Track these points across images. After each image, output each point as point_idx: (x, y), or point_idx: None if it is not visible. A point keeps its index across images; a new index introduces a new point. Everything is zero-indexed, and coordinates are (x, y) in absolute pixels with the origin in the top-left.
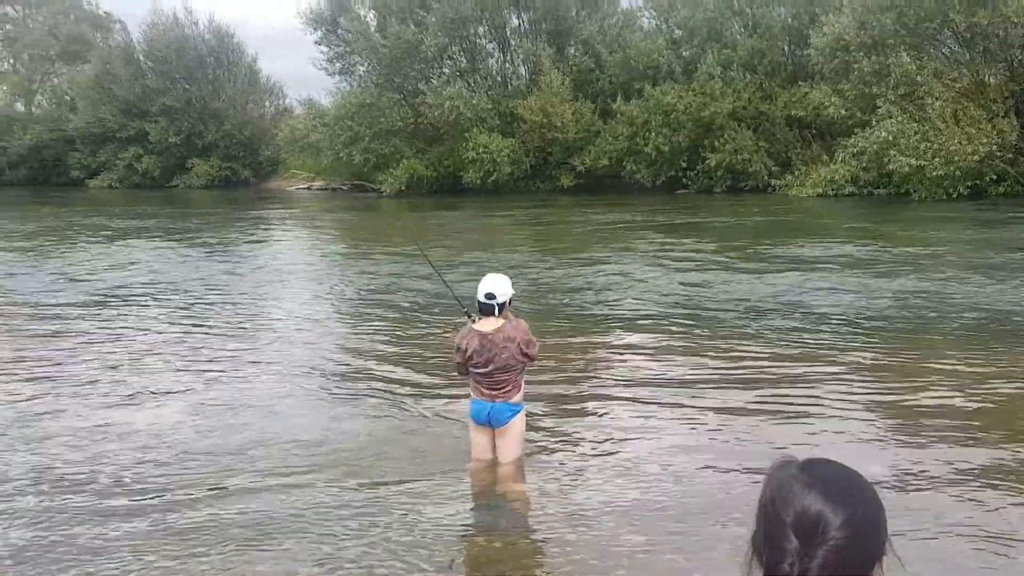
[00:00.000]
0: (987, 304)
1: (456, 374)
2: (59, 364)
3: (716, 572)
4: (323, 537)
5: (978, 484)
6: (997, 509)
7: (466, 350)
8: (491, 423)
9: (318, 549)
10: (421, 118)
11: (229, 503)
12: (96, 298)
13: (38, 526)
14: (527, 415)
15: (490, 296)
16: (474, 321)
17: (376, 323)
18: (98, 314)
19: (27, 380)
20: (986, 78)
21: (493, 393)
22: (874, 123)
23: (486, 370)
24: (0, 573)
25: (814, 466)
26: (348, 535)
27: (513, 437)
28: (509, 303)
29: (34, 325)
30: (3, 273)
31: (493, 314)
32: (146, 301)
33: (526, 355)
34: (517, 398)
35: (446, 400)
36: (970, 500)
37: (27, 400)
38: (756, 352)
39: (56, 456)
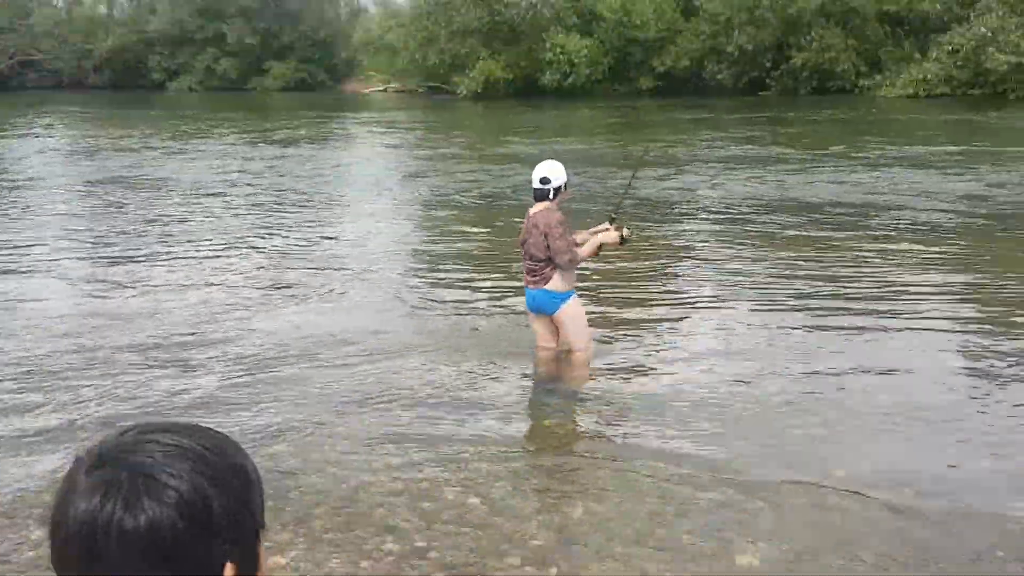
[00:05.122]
0: None
1: None
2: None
3: (786, 458)
4: (400, 407)
5: None
6: None
7: (522, 229)
8: (542, 310)
9: (395, 417)
10: (498, 17)
11: (320, 375)
12: (190, 195)
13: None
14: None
15: (544, 180)
16: (612, 222)
17: (457, 221)
18: (189, 209)
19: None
20: None
21: (528, 279)
22: (972, 18)
23: (522, 251)
24: None
25: None
26: (418, 406)
27: (567, 325)
28: (565, 188)
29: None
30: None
31: (544, 199)
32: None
33: (548, 247)
34: (557, 287)
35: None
36: None
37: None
38: (838, 253)
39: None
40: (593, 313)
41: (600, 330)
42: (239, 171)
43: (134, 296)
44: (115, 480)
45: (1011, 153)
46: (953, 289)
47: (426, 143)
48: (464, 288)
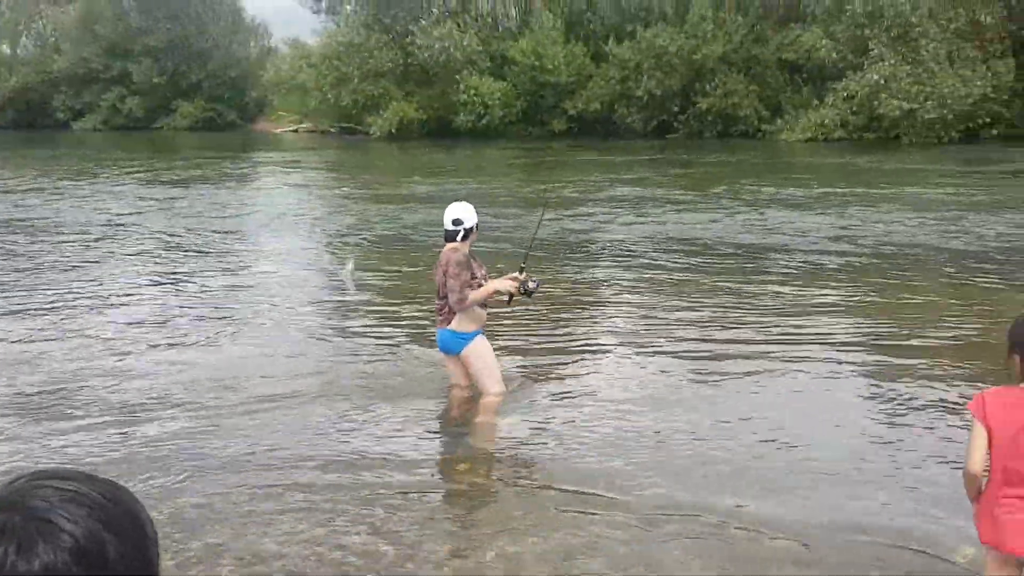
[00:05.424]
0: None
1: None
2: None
3: (692, 495)
4: (303, 454)
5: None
6: None
7: None
8: (449, 349)
9: (299, 464)
10: (411, 59)
11: (218, 422)
12: (80, 238)
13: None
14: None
15: (456, 222)
16: (522, 272)
17: (374, 261)
18: (80, 253)
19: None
20: (983, 18)
21: (437, 318)
22: (866, 66)
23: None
24: None
25: None
26: (322, 452)
27: (474, 364)
28: (475, 230)
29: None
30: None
31: (453, 239)
32: (136, 244)
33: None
34: (459, 327)
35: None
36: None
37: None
38: (734, 296)
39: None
40: (498, 356)
41: (506, 374)
42: (132, 212)
43: (11, 343)
44: (9, 524)
45: (891, 195)
46: (843, 331)
47: (333, 183)
48: (366, 329)
